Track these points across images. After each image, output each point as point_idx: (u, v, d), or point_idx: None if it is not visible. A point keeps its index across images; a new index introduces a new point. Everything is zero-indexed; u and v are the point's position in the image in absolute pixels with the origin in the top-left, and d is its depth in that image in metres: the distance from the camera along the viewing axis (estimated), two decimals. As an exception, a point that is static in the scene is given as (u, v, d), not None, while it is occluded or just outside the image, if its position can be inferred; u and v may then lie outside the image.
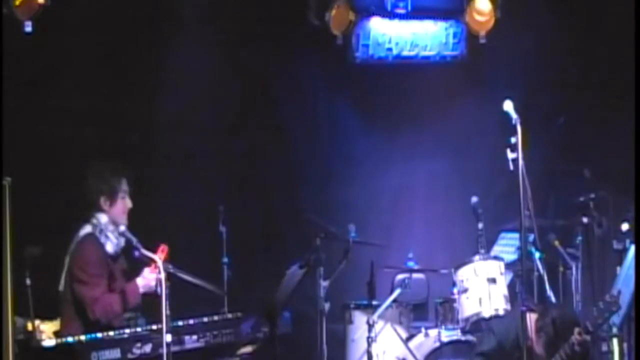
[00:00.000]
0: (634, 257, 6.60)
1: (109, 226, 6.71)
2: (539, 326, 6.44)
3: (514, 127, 6.18)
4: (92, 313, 6.52)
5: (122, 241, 6.77)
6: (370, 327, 7.61)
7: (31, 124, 7.77)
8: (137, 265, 6.67)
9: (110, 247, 6.71)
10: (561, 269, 7.82)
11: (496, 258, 7.24)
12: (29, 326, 6.21)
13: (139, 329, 6.39)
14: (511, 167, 6.19)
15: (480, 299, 7.07)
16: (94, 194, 6.71)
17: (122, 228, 6.39)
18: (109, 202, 6.75)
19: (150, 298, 6.48)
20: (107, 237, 6.70)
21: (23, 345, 6.12)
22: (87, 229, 6.72)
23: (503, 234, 7.94)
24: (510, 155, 6.25)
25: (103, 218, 6.72)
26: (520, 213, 6.08)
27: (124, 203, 6.79)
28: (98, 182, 6.74)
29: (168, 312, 6.12)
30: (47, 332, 6.27)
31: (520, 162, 6.04)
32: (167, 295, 6.13)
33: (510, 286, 7.39)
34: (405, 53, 9.12)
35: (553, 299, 7.67)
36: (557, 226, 7.78)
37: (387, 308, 7.74)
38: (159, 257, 6.33)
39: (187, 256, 7.22)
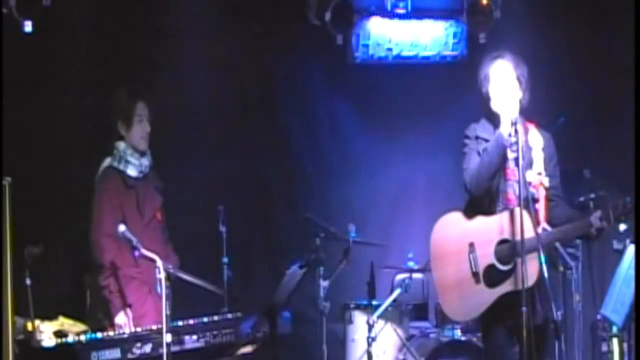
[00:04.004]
0: (634, 257, 6.59)
1: (128, 150, 6.79)
2: None
3: (514, 126, 6.18)
4: (98, 258, 6.61)
5: (147, 160, 6.84)
6: (370, 327, 7.61)
7: (31, 123, 7.76)
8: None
9: (132, 171, 6.79)
10: (561, 269, 7.82)
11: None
12: (29, 326, 6.20)
13: (139, 329, 6.40)
14: (512, 166, 6.18)
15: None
16: (111, 119, 6.82)
17: (122, 228, 6.39)
18: (125, 126, 6.83)
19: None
20: (127, 162, 6.78)
21: (23, 345, 6.12)
22: (106, 162, 6.83)
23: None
24: (510, 155, 6.25)
25: (121, 145, 6.81)
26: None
27: (141, 127, 6.87)
28: (113, 107, 6.85)
29: (168, 312, 6.13)
30: (47, 332, 6.26)
31: (520, 162, 6.03)
32: (167, 295, 6.14)
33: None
34: (405, 53, 9.10)
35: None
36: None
37: (387, 308, 7.74)
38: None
39: (187, 256, 7.23)
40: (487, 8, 8.97)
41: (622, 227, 7.54)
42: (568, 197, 6.51)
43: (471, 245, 6.09)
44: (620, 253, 6.91)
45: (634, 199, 6.63)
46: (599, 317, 7.45)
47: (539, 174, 6.19)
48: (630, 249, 6.71)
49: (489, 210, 6.15)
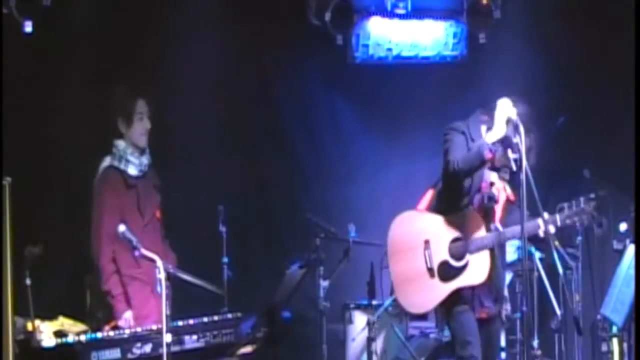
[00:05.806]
0: (634, 257, 6.60)
1: (128, 149, 6.78)
2: None
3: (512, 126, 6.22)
4: (98, 260, 6.63)
5: (146, 158, 6.84)
6: (370, 327, 7.61)
7: (31, 124, 7.77)
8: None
9: (133, 170, 6.80)
10: (561, 269, 7.82)
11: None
12: (29, 326, 6.21)
13: (139, 329, 6.40)
14: (514, 167, 6.19)
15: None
16: (111, 117, 6.82)
17: (122, 228, 6.38)
18: (125, 123, 6.83)
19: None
20: (127, 161, 6.78)
21: (23, 345, 6.13)
22: (106, 161, 6.82)
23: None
24: (512, 155, 6.25)
25: (121, 144, 6.80)
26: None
27: (141, 124, 6.87)
28: (113, 105, 6.85)
29: (168, 312, 6.12)
30: (47, 332, 6.26)
31: (524, 163, 6.05)
32: (167, 295, 6.14)
33: (510, 286, 7.39)
34: (405, 53, 9.10)
35: (553, 300, 7.70)
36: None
37: (387, 308, 7.74)
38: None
39: (187, 256, 7.22)
40: (487, 8, 8.96)
41: (623, 227, 7.55)
42: (568, 198, 6.51)
43: (426, 242, 6.49)
44: (620, 253, 6.92)
45: (634, 199, 6.64)
46: (599, 317, 7.45)
47: (503, 179, 6.50)
48: (630, 249, 6.72)
49: (456, 207, 6.49)
